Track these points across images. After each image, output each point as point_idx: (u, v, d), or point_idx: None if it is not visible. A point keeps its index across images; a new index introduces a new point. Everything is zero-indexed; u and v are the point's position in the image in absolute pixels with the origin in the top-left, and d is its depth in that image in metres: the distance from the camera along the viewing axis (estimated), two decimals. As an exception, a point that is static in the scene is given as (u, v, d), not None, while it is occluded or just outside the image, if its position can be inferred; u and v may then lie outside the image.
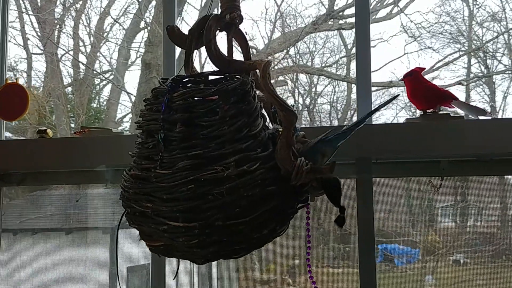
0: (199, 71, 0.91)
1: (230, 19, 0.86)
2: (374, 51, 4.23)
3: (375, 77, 4.23)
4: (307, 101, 4.75)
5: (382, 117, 4.26)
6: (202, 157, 0.77)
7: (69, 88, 5.00)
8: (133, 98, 4.65)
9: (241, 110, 0.81)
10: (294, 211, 0.85)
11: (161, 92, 0.82)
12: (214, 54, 0.84)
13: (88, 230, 4.03)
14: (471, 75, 4.22)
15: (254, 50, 4.63)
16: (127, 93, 4.85)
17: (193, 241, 0.76)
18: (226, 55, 0.89)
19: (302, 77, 4.78)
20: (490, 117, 1.07)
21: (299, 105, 4.71)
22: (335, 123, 4.53)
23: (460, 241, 4.20)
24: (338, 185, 0.80)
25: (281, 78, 4.69)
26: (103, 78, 5.08)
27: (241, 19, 0.88)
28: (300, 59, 4.72)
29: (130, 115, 4.85)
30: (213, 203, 0.75)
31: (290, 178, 0.79)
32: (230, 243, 0.78)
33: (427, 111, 1.09)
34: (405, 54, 4.17)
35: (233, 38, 0.90)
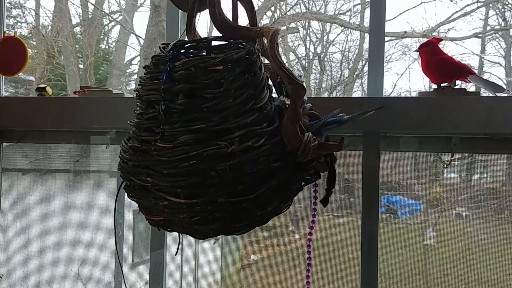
0: (201, 36, 0.85)
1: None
2: (389, -1, 4.08)
3: (389, 27, 4.10)
4: (319, 49, 4.65)
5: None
6: (205, 131, 0.73)
7: (78, 28, 4.90)
8: (142, 41, 4.57)
9: (246, 81, 0.76)
10: (299, 187, 0.82)
11: (162, 60, 0.77)
12: (218, 19, 0.79)
13: (95, 172, 4.06)
14: (488, 28, 4.09)
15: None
16: (136, 35, 4.76)
17: (195, 218, 0.73)
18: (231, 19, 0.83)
19: (315, 25, 4.66)
20: (507, 94, 1.02)
21: (310, 53, 4.61)
22: (346, 73, 4.45)
23: (464, 196, 4.21)
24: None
25: (293, 24, 4.57)
26: (112, 19, 4.97)
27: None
28: (313, 5, 4.58)
29: (138, 58, 4.79)
30: (216, 180, 0.72)
31: (296, 154, 0.76)
32: (233, 220, 0.76)
33: (442, 85, 1.04)
34: (421, 3, 4.02)
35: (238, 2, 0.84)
